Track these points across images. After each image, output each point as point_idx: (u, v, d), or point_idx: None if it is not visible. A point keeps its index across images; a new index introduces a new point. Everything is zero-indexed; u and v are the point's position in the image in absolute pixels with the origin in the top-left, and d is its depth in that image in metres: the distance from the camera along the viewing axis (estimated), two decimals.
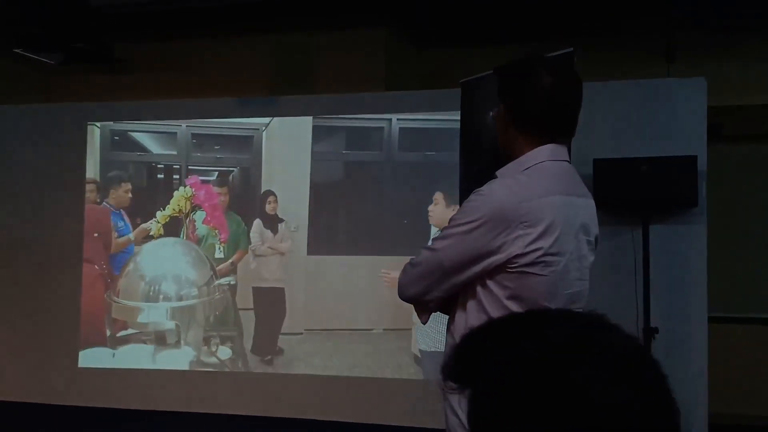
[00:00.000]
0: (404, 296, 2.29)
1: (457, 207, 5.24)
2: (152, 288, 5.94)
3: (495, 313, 2.11)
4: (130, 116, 6.00)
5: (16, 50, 5.75)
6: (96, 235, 6.01)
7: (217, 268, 5.87)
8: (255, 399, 5.64)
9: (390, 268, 5.25)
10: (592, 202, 2.32)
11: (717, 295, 5.04)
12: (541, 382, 0.83)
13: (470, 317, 2.18)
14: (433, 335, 5.23)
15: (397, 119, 5.63)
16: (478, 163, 3.53)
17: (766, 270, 5.95)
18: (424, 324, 2.37)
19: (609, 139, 4.95)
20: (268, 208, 5.77)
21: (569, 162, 2.28)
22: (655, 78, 5.09)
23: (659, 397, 0.87)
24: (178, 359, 5.83)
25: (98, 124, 5.99)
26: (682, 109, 4.94)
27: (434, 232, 5.40)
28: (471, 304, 2.19)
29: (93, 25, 5.63)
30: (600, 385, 0.82)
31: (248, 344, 5.77)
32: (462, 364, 0.93)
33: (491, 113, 3.38)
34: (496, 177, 2.23)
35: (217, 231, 5.87)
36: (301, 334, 5.70)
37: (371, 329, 5.61)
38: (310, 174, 5.72)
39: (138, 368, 5.85)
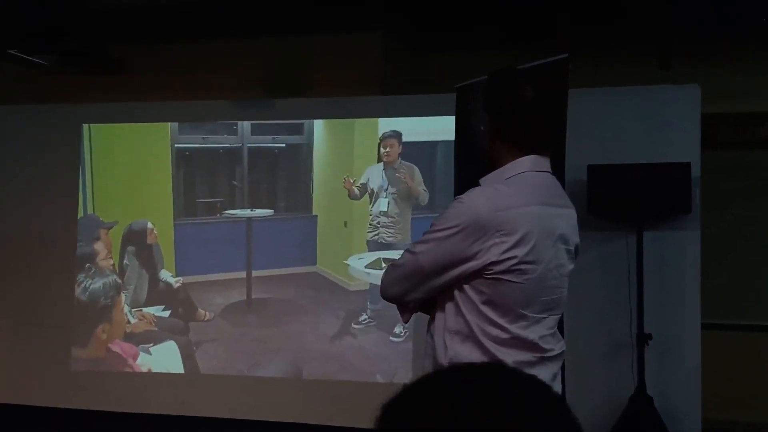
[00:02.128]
0: (386, 296, 2.39)
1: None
2: None
3: (470, 316, 2.22)
4: (125, 118, 6.00)
5: (10, 51, 5.74)
6: None
7: None
8: (246, 402, 5.63)
9: None
10: (572, 212, 2.40)
11: (710, 301, 5.05)
12: None
13: (448, 319, 2.27)
14: None
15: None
16: (473, 167, 3.53)
17: (759, 277, 5.96)
18: (405, 324, 2.44)
19: (603, 145, 4.97)
20: None
21: (551, 173, 2.35)
22: (650, 85, 5.10)
23: None
24: None
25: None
26: (676, 116, 4.96)
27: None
28: (449, 307, 2.27)
29: (88, 27, 5.62)
30: None
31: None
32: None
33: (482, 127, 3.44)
34: (479, 184, 2.32)
35: None
36: None
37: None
38: None
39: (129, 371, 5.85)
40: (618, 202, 4.79)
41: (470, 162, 3.64)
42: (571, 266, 2.34)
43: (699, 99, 4.89)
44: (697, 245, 4.90)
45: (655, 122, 4.99)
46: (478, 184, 2.32)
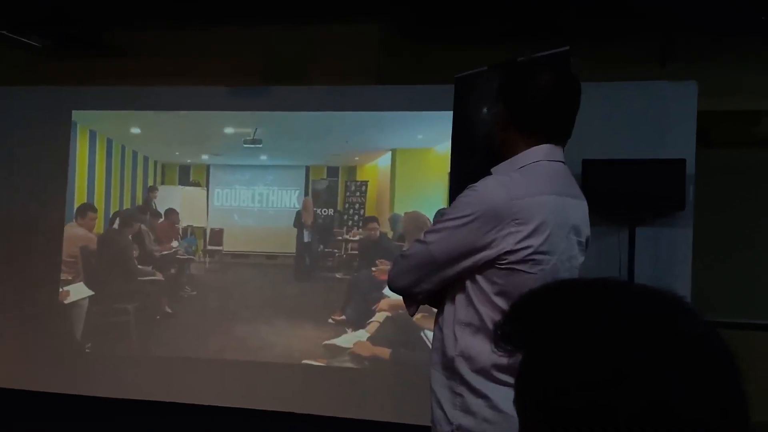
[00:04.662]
0: (394, 287, 2.32)
1: None
2: None
3: (483, 307, 2.17)
4: (119, 104, 5.92)
5: (2, 32, 5.67)
6: None
7: None
8: (240, 389, 5.59)
9: None
10: (584, 204, 2.37)
11: (701, 299, 5.04)
12: (603, 357, 0.77)
13: (459, 311, 2.22)
14: None
15: None
16: (471, 158, 3.50)
17: (751, 275, 5.96)
18: (412, 316, 2.40)
19: (598, 140, 4.94)
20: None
21: (564, 163, 2.31)
22: (646, 81, 5.08)
23: (727, 396, 0.80)
24: None
25: None
26: (672, 112, 4.95)
27: None
28: (460, 298, 2.22)
29: (83, 10, 5.56)
30: (666, 375, 0.76)
31: None
32: (519, 323, 0.87)
33: (484, 109, 3.40)
34: (490, 173, 2.24)
35: None
36: None
37: None
38: None
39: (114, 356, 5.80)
40: (612, 197, 4.76)
41: (469, 153, 3.60)
42: (582, 258, 2.31)
43: (695, 96, 4.88)
44: (689, 242, 4.89)
45: (651, 118, 4.98)
46: (476, 175, 2.27)
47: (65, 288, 5.93)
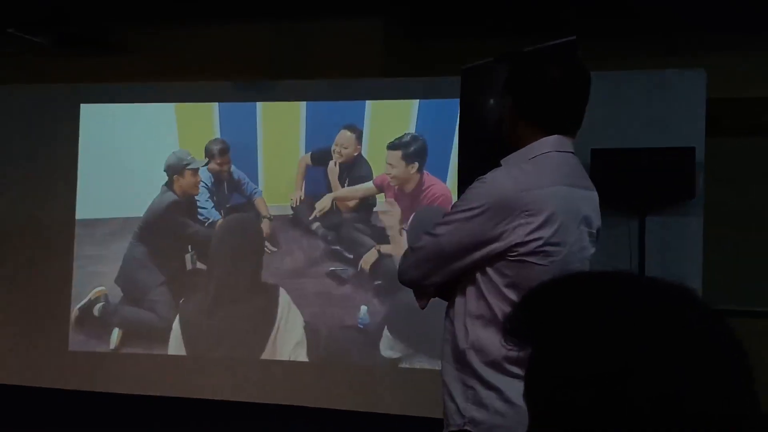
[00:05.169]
0: (404, 280, 2.31)
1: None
2: None
3: (493, 300, 2.15)
4: (124, 99, 5.92)
5: (8, 30, 5.69)
6: None
7: None
8: (249, 385, 5.61)
9: None
10: (595, 195, 2.34)
11: (713, 287, 5.02)
12: (610, 351, 0.77)
13: (469, 303, 2.20)
14: None
15: None
16: (478, 149, 3.50)
17: (762, 263, 5.93)
18: (422, 309, 2.39)
19: (607, 129, 4.92)
20: None
21: (574, 154, 2.29)
22: (655, 69, 5.06)
23: (734, 387, 0.79)
24: None
25: None
26: (681, 101, 4.92)
27: None
28: (470, 291, 2.20)
29: (87, 8, 5.57)
30: (672, 368, 0.76)
31: None
32: (528, 317, 0.87)
33: (491, 100, 3.41)
34: (500, 165, 2.24)
35: None
36: None
37: None
38: None
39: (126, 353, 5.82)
40: (621, 186, 4.74)
41: (476, 144, 3.61)
42: (592, 250, 2.29)
43: (704, 84, 4.85)
44: (699, 231, 4.87)
45: (660, 107, 4.95)
46: (485, 167, 2.26)
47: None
